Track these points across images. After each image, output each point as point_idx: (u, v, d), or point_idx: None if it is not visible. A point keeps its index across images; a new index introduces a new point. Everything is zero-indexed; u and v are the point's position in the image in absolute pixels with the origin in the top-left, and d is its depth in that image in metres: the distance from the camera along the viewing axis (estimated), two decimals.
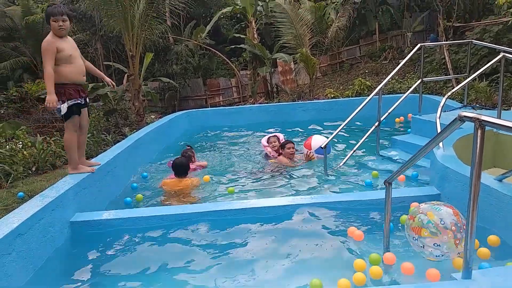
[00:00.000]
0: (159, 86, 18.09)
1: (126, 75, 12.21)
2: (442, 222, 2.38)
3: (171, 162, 5.20)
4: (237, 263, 2.96)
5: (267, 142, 5.95)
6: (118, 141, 7.01)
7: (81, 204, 3.84)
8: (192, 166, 5.29)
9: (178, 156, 5.25)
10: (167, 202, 4.47)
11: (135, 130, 8.66)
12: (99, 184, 4.30)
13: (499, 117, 4.75)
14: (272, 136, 6.02)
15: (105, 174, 4.50)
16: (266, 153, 5.99)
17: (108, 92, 10.64)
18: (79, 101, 4.03)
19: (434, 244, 2.39)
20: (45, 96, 3.81)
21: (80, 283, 2.83)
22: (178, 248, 3.23)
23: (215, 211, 3.60)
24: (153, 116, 12.99)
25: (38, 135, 8.66)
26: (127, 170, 5.25)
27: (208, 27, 17.32)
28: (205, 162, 5.85)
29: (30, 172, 6.97)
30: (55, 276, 2.97)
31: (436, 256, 2.43)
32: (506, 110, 7.06)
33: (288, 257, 2.98)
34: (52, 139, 8.22)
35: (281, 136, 6.08)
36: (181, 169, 4.82)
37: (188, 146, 5.94)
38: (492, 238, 2.78)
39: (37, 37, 13.48)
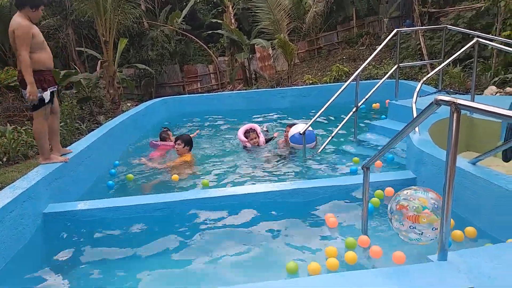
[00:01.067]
0: (135, 73, 17.69)
1: (99, 62, 11.86)
2: (435, 205, 2.41)
3: (153, 141, 5.96)
4: (215, 250, 2.94)
5: (245, 137, 5.71)
6: (93, 130, 6.83)
7: (54, 195, 3.72)
8: (171, 144, 5.76)
9: (185, 134, 5.64)
10: (178, 172, 4.81)
11: (110, 118, 8.45)
12: (73, 174, 4.18)
13: (472, 101, 4.85)
14: (251, 131, 5.75)
15: (79, 164, 4.37)
16: (243, 145, 5.78)
17: (81, 79, 10.32)
18: (55, 88, 3.97)
19: (432, 228, 2.40)
20: (15, 84, 3.67)
21: (53, 275, 2.76)
22: (154, 237, 3.18)
23: (193, 199, 3.54)
24: (129, 104, 12.71)
25: (8, 124, 8.34)
26: (102, 159, 5.12)
27: (184, 12, 16.95)
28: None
29: (1, 162, 6.73)
30: (28, 269, 2.88)
31: (431, 239, 2.45)
32: (479, 94, 7.23)
33: (267, 242, 3.00)
34: (23, 128, 7.94)
35: (258, 129, 5.88)
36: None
37: (165, 128, 6.27)
38: (469, 230, 2.79)
39: (5, 22, 12.84)
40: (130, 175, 4.69)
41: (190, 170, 4.98)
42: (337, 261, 2.55)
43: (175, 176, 4.64)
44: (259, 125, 6.14)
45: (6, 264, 2.88)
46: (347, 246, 2.76)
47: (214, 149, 5.98)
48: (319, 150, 5.28)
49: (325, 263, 2.57)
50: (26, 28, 3.62)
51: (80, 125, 8.93)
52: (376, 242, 2.78)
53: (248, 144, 5.68)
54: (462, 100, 1.74)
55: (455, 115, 1.76)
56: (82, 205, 3.57)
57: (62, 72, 9.62)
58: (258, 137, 5.74)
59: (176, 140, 5.41)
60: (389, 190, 3.50)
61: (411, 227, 2.45)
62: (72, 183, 4.12)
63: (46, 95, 3.80)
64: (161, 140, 6.08)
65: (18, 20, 3.65)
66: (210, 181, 4.46)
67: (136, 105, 10.57)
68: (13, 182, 3.55)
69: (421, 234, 2.44)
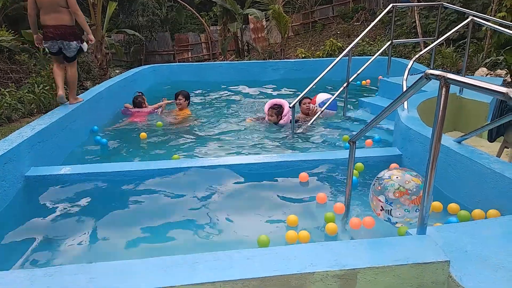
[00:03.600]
0: (124, 39, 17.26)
1: None
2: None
3: (128, 108, 6.15)
4: (196, 219, 2.93)
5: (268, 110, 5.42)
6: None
7: (37, 158, 3.66)
8: (147, 109, 6.04)
9: (182, 90, 6.08)
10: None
11: (98, 84, 8.26)
12: (56, 138, 4.11)
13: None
14: (276, 107, 5.39)
15: (63, 128, 4.29)
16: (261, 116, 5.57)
17: None
18: None
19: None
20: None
21: (33, 239, 2.73)
22: (138, 203, 3.16)
23: (179, 168, 3.51)
24: (118, 71, 12.43)
25: None
26: (87, 124, 5.03)
27: None
28: (160, 103, 6.33)
29: None
30: (7, 232, 2.85)
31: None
32: (470, 76, 7.23)
33: (249, 213, 3.00)
34: (7, 90, 7.73)
35: (286, 107, 5.39)
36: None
37: (139, 92, 6.34)
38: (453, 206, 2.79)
39: None
40: (143, 134, 4.92)
41: (193, 122, 5.60)
42: (307, 233, 2.56)
43: (143, 134, 4.89)
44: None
45: None
46: (326, 220, 2.77)
47: (204, 119, 5.92)
48: (308, 124, 5.26)
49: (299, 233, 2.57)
50: None
51: (66, 90, 8.73)
52: (356, 214, 2.81)
53: (266, 118, 5.45)
54: (451, 75, 1.72)
55: (444, 89, 1.73)
56: (65, 169, 3.51)
57: None
58: (281, 117, 5.35)
59: (176, 96, 5.88)
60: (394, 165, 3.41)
61: (417, 210, 2.30)
62: (56, 147, 4.05)
63: (85, 46, 4.67)
64: (136, 106, 6.02)
65: None
66: (195, 151, 4.44)
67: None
68: None
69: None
